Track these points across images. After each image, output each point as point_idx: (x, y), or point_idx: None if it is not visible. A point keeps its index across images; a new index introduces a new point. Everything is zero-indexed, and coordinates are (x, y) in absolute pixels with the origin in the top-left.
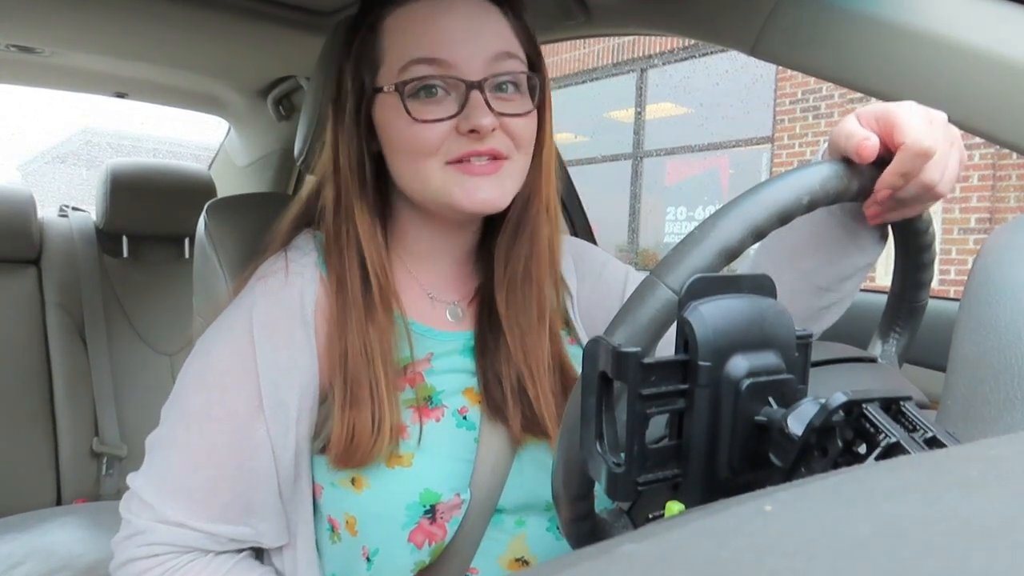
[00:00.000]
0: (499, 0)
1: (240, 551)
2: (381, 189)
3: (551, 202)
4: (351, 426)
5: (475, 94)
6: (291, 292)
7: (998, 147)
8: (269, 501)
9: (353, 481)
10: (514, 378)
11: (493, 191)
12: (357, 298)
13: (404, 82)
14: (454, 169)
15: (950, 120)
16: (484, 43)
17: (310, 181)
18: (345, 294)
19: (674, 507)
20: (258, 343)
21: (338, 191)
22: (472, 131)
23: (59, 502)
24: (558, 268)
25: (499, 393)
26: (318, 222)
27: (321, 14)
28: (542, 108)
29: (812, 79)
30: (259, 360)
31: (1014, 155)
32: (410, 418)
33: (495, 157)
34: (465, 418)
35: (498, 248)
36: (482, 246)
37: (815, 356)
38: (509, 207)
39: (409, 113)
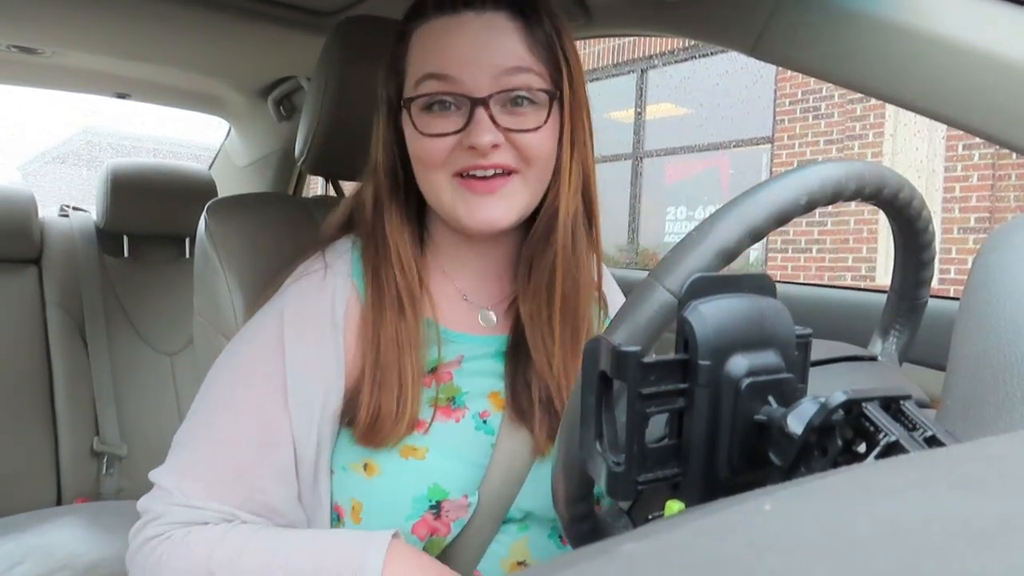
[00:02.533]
0: (516, 15)
1: None
2: (417, 196)
3: (592, 216)
4: (377, 406)
5: (479, 111)
6: (324, 293)
7: (998, 147)
8: (289, 497)
9: (365, 467)
10: (543, 389)
11: (495, 210)
12: (392, 293)
13: (412, 98)
14: (460, 184)
15: (950, 120)
16: (492, 60)
17: (315, 180)
18: (381, 290)
19: (674, 506)
20: (287, 341)
21: (376, 191)
22: (473, 147)
23: (59, 501)
24: (600, 285)
25: (526, 401)
26: (358, 223)
27: (321, 14)
28: (567, 122)
29: (812, 79)
30: (287, 358)
31: (1014, 155)
32: (430, 415)
33: (506, 172)
34: (485, 422)
35: (521, 261)
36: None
37: (815, 355)
38: (535, 220)
39: (416, 127)
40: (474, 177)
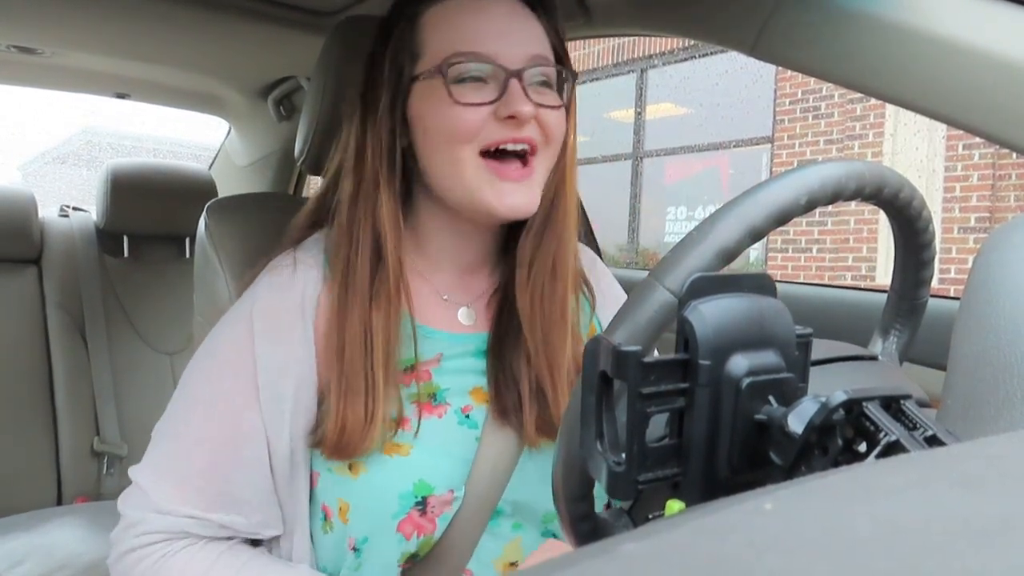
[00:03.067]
0: (534, 6)
1: (232, 539)
2: (404, 186)
3: (575, 203)
4: (343, 418)
5: (514, 82)
6: (295, 288)
7: (998, 147)
8: (263, 490)
9: (350, 467)
10: (533, 379)
11: (523, 196)
12: (364, 286)
13: (447, 65)
14: (487, 167)
15: (950, 119)
16: (521, 42)
17: (315, 180)
18: (351, 284)
19: (674, 506)
20: (257, 336)
21: (358, 183)
22: (510, 116)
23: (60, 501)
24: (581, 271)
25: (513, 396)
26: (331, 219)
27: (321, 14)
28: (572, 108)
29: (812, 79)
30: (257, 352)
31: (1014, 155)
32: (413, 412)
33: (527, 154)
34: (468, 416)
35: (522, 249)
36: (501, 248)
37: (815, 354)
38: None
39: (451, 95)
40: (504, 152)
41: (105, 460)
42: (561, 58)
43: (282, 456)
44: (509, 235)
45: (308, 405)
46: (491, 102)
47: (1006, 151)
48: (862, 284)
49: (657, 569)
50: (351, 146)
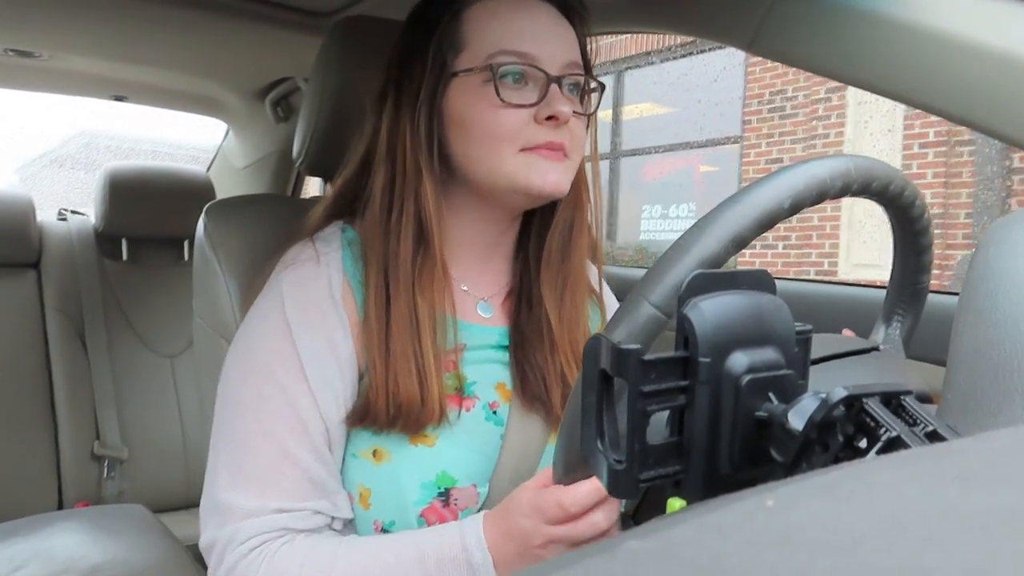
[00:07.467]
0: (570, 15)
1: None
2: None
3: (596, 205)
4: (396, 396)
5: (554, 87)
6: (321, 278)
7: (950, 146)
8: (333, 473)
9: (374, 453)
10: (558, 367)
11: (562, 175)
12: (407, 273)
13: (496, 64)
14: (530, 153)
15: (949, 115)
16: (561, 47)
17: (314, 181)
18: (393, 273)
19: (676, 503)
20: (293, 326)
21: (392, 174)
22: (551, 117)
23: (60, 505)
24: (589, 282)
25: (538, 383)
26: (362, 210)
27: (320, 15)
28: (595, 118)
29: (778, 80)
30: (297, 341)
31: (965, 154)
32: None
33: (562, 152)
34: (495, 413)
35: (548, 245)
36: (516, 245)
37: (815, 349)
38: (560, 206)
39: (499, 94)
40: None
41: (106, 464)
42: (588, 69)
43: (338, 439)
44: (523, 233)
45: (352, 387)
46: (533, 104)
47: (957, 152)
48: (825, 278)
49: (659, 566)
50: (383, 136)
